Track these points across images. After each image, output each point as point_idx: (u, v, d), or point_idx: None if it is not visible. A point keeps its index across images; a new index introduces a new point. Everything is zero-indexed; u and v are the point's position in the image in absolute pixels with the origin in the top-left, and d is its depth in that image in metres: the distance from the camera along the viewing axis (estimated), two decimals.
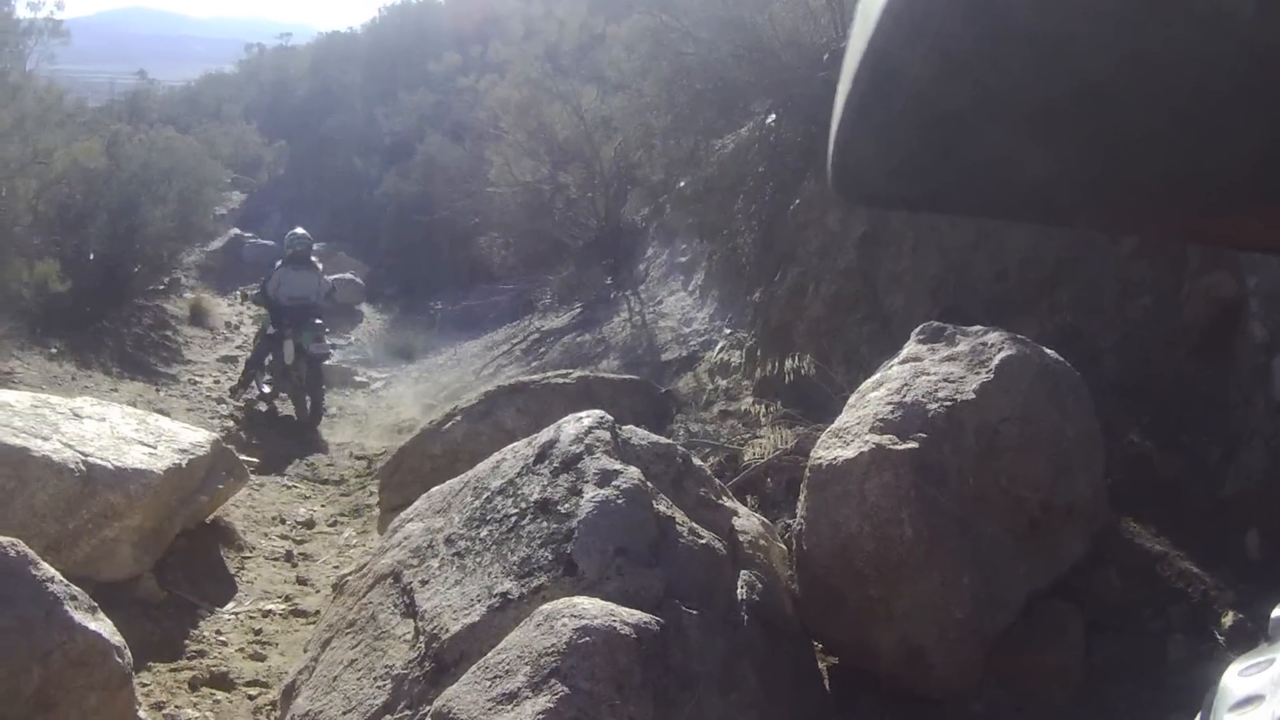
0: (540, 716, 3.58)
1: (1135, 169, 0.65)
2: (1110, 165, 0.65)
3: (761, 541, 4.77)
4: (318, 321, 11.61)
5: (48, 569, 4.39)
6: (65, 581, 4.43)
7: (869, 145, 0.67)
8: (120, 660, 4.47)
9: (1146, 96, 0.60)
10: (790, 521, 5.34)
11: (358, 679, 4.36)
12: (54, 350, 12.00)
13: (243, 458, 7.84)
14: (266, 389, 11.93)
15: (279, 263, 12.11)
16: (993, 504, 4.53)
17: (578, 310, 13.91)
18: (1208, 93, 0.59)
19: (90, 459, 6.02)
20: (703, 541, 4.32)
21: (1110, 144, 0.64)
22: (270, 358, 11.73)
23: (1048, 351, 5.01)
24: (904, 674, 4.40)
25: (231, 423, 10.97)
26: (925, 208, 0.79)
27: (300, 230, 12.49)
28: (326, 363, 12.33)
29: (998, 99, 0.62)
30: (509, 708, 3.71)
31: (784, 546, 5.08)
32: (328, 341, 12.02)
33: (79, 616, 4.33)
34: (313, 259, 12.28)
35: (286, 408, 11.82)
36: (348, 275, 20.29)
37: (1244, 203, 0.66)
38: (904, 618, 4.28)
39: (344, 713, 4.25)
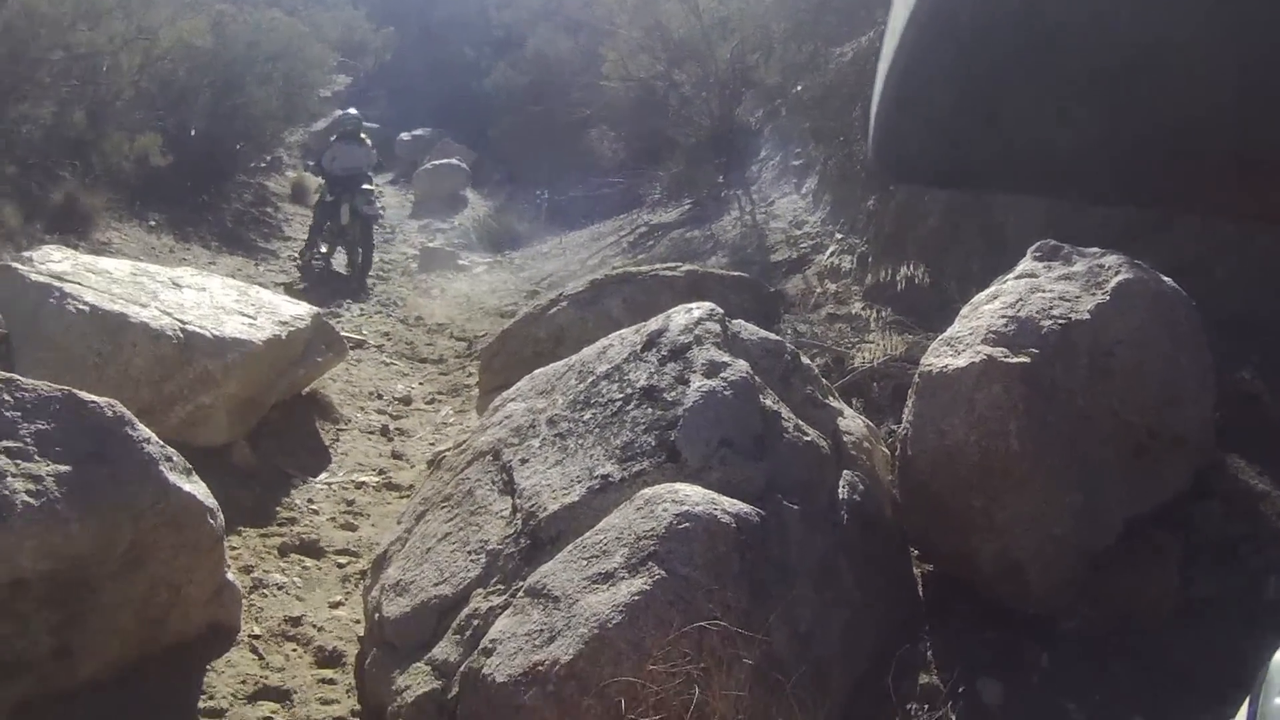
0: (635, 598, 3.61)
1: (1193, 143, 0.62)
2: (1165, 140, 0.63)
3: (865, 444, 4.76)
4: (367, 188, 13.12)
5: (144, 430, 4.50)
6: (161, 443, 4.55)
7: (911, 121, 0.67)
8: (212, 523, 4.60)
9: (1207, 67, 0.57)
10: (895, 427, 5.32)
11: (451, 552, 4.44)
12: (153, 223, 12.24)
13: (343, 334, 7.97)
14: (324, 248, 13.29)
15: (333, 138, 13.89)
16: (1100, 426, 4.46)
17: (687, 207, 13.80)
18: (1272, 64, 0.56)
19: (189, 327, 6.15)
20: (807, 439, 4.32)
21: (1166, 118, 0.61)
22: (328, 222, 13.11)
23: (1164, 278, 4.88)
24: (999, 586, 4.39)
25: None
26: (969, 185, 0.81)
27: (352, 110, 14.45)
28: (430, 245, 13.29)
29: (1044, 69, 0.61)
30: (604, 587, 3.76)
31: (887, 451, 5.06)
32: (377, 204, 13.47)
33: (174, 478, 4.45)
34: (362, 135, 13.74)
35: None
36: (454, 160, 20.36)
37: None
38: (1004, 530, 4.26)
39: (435, 584, 4.34)
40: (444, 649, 4.11)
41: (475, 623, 4.08)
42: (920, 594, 4.67)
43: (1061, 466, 4.26)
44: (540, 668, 3.69)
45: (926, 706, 3.86)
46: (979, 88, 0.64)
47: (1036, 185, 0.77)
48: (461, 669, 3.97)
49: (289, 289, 10.93)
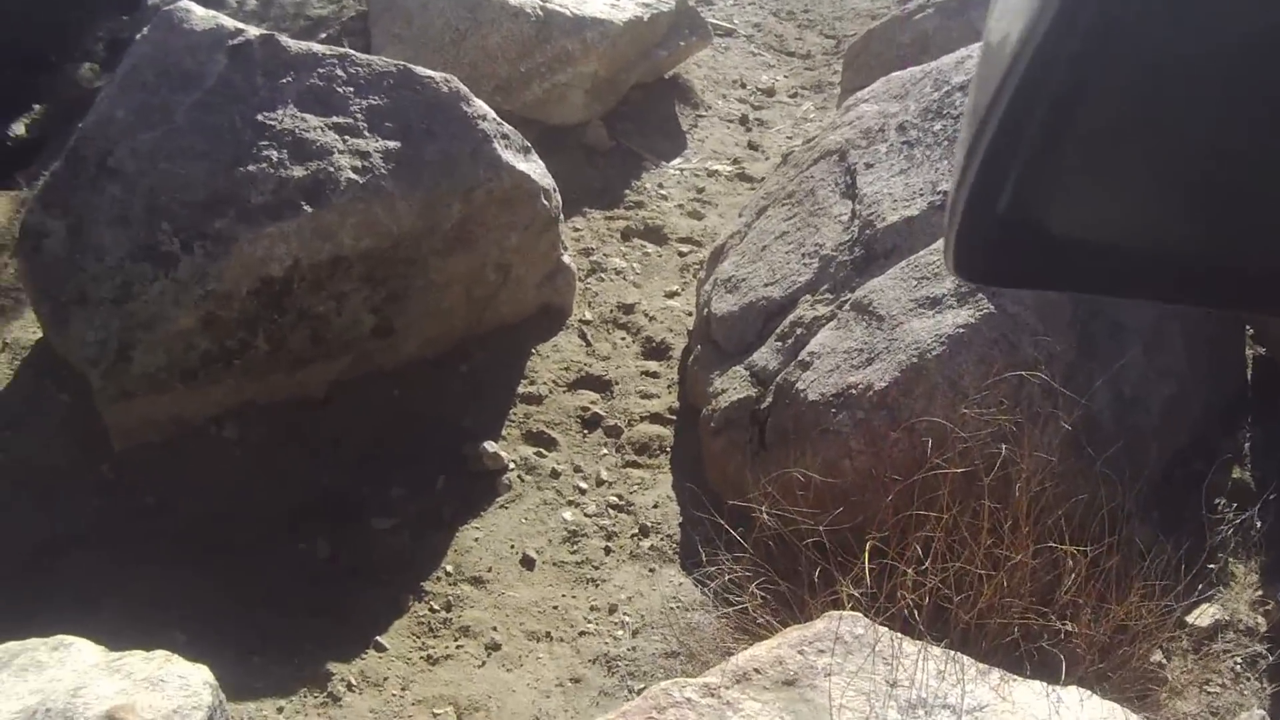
0: (960, 330, 3.33)
1: None
2: None
3: None
4: None
5: (481, 106, 4.42)
6: (498, 120, 4.46)
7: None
8: (547, 203, 4.54)
9: None
10: None
11: (785, 252, 4.24)
12: None
13: (712, 21, 7.61)
14: None
15: None
16: None
17: None
18: None
19: (549, 5, 5.99)
20: None
21: None
22: None
23: None
24: None
25: None
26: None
27: None
28: None
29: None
30: (930, 313, 3.48)
31: None
32: None
33: (508, 156, 4.37)
34: None
35: None
36: None
37: None
38: None
39: (766, 284, 4.17)
40: (764, 355, 3.98)
41: (798, 331, 3.92)
42: (1249, 378, 4.03)
43: None
44: (853, 391, 3.49)
45: (1235, 505, 3.36)
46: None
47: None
48: (778, 379, 3.83)
49: None
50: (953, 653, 2.66)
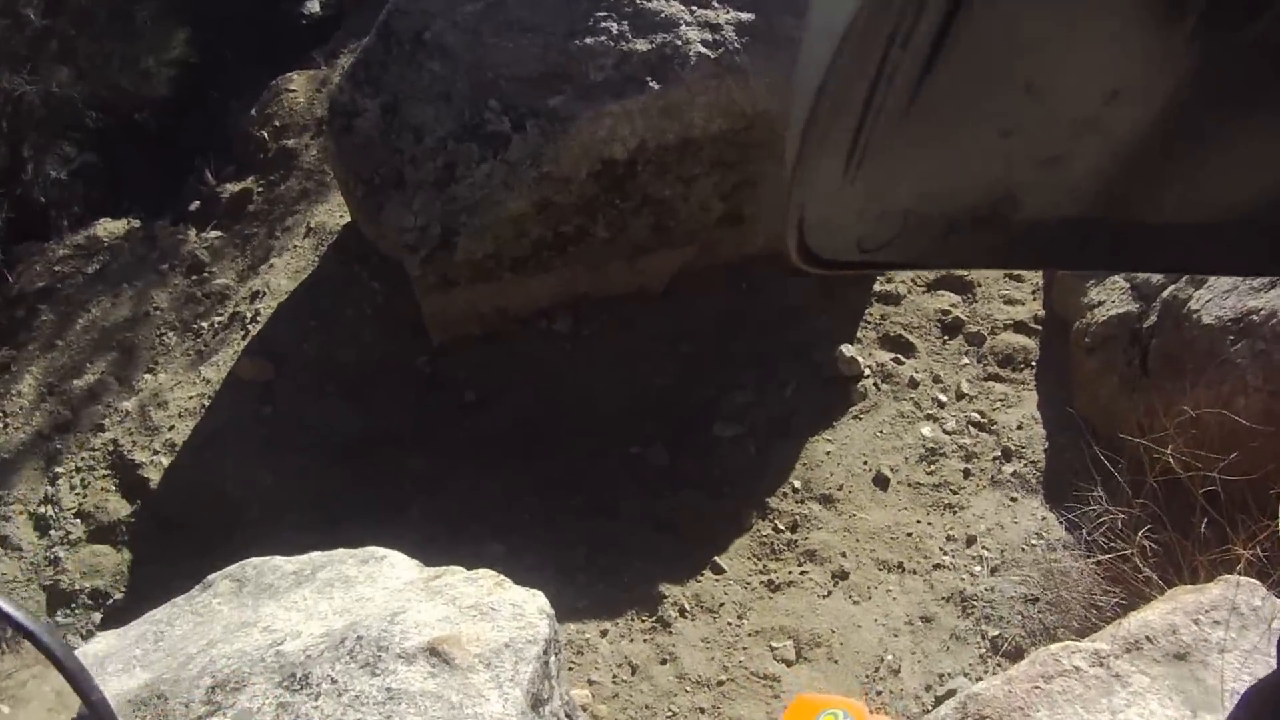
0: None
1: None
2: None
3: None
4: None
5: None
6: None
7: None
8: None
9: None
10: None
11: None
12: None
13: None
14: None
15: None
16: None
17: None
18: None
19: None
20: None
21: None
22: None
23: None
24: None
25: None
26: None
27: None
28: None
29: None
30: None
31: None
32: None
33: None
34: None
35: None
36: None
37: None
38: None
39: None
40: None
41: None
42: None
43: None
44: (1254, 317, 3.11)
45: None
46: None
47: None
48: (1164, 295, 3.47)
49: None
50: None
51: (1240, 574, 2.55)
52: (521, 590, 2.36)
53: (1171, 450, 2.88)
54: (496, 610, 2.26)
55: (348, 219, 4.50)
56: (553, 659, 2.31)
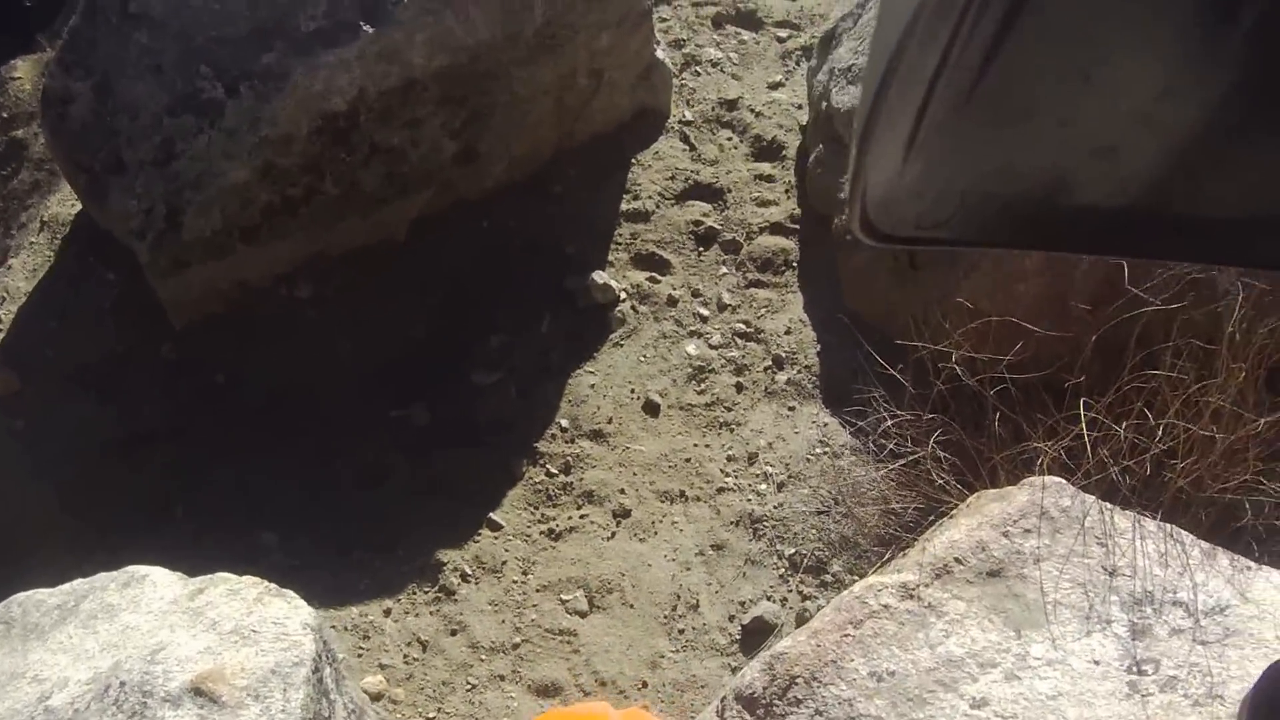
0: None
1: None
2: None
3: None
4: None
5: None
6: None
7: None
8: None
9: None
10: None
11: None
12: None
13: None
14: None
15: None
16: None
17: None
18: None
19: None
20: None
21: None
22: None
23: None
24: None
25: None
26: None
27: None
28: None
29: None
30: None
31: None
32: None
33: None
34: None
35: None
36: None
37: None
38: None
39: None
40: None
41: None
42: None
43: None
44: None
45: None
46: None
47: None
48: None
49: None
50: (1170, 528, 2.32)
51: (1044, 473, 2.50)
52: (282, 603, 2.25)
53: (955, 354, 2.80)
54: (258, 632, 2.14)
55: (79, 208, 4.12)
56: (326, 671, 2.15)
